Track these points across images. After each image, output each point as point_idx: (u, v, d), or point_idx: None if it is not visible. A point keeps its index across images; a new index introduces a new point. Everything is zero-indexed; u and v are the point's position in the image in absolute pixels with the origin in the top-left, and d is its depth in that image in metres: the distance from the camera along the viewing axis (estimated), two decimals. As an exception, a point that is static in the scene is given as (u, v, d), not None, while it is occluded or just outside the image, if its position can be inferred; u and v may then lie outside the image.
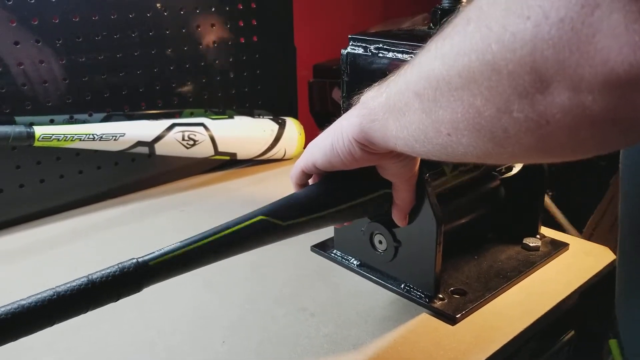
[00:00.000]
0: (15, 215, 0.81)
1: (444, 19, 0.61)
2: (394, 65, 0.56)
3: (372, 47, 0.58)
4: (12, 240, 0.78)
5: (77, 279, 0.41)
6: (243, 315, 0.60)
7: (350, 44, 0.60)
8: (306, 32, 1.21)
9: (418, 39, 0.57)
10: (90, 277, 0.41)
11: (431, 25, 0.63)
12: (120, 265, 0.42)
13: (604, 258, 0.69)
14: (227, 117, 0.95)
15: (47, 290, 0.40)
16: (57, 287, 0.40)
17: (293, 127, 0.99)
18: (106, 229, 0.81)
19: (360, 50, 0.59)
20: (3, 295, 0.64)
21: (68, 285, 0.40)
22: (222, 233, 0.47)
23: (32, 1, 0.76)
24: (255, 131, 0.95)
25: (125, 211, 0.86)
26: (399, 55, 0.56)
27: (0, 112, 0.77)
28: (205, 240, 0.46)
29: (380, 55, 0.57)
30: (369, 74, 0.59)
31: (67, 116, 0.82)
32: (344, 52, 0.61)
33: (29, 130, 0.75)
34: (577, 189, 1.60)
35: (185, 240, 0.46)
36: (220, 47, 0.95)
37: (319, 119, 1.42)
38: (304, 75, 1.30)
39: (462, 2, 0.60)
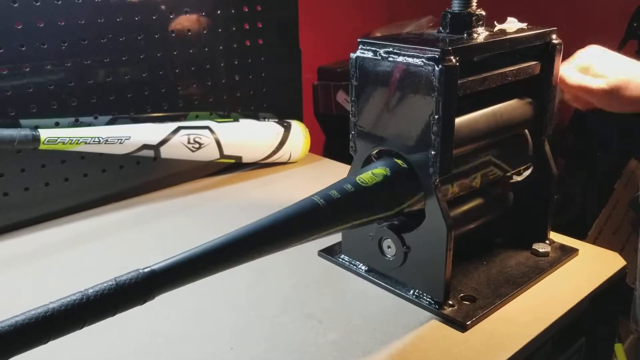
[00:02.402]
0: (20, 219, 0.80)
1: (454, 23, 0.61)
2: (404, 70, 0.56)
3: (381, 51, 0.58)
4: (17, 243, 0.77)
5: (84, 290, 0.40)
6: (250, 321, 0.60)
7: (360, 47, 0.60)
8: (310, 35, 1.21)
9: (428, 42, 0.56)
10: (95, 288, 0.40)
11: (440, 28, 0.62)
12: (129, 275, 0.41)
13: (614, 264, 0.68)
14: (232, 120, 0.95)
15: (50, 303, 0.39)
16: (58, 300, 0.39)
17: (298, 130, 0.99)
18: (111, 233, 0.80)
19: (370, 54, 0.59)
20: (8, 299, 0.64)
21: (68, 298, 0.39)
22: (232, 241, 0.47)
23: (38, 4, 0.75)
24: (260, 134, 0.95)
25: (131, 214, 0.85)
26: (410, 60, 0.55)
27: (6, 115, 0.76)
28: (215, 249, 0.46)
29: (390, 59, 0.57)
30: (378, 78, 0.59)
31: (72, 119, 0.82)
32: (353, 56, 0.60)
33: (34, 133, 0.75)
34: (583, 193, 1.59)
35: (195, 249, 0.45)
36: (225, 49, 0.95)
37: (323, 121, 1.42)
38: (308, 78, 1.29)
39: (472, 6, 0.60)
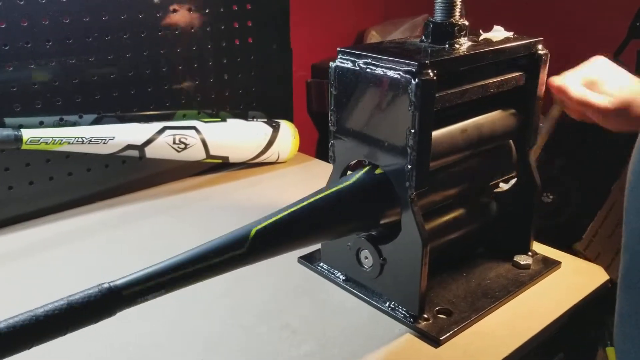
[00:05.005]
0: (4, 217, 0.80)
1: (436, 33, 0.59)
2: (382, 82, 0.55)
3: (360, 61, 0.57)
4: (0, 242, 0.77)
5: (67, 297, 0.40)
6: (224, 330, 0.59)
7: (339, 57, 0.59)
8: (305, 31, 1.20)
9: (407, 54, 0.55)
10: (68, 299, 0.40)
11: (423, 38, 0.61)
12: (91, 292, 0.41)
13: (597, 278, 0.68)
14: (220, 119, 0.94)
15: (25, 312, 0.39)
16: (35, 309, 0.39)
17: (287, 130, 0.98)
18: (95, 232, 0.80)
19: (349, 65, 0.58)
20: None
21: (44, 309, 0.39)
22: (198, 256, 0.46)
23: (22, 2, 0.74)
24: (248, 135, 0.94)
25: (115, 214, 0.85)
26: (387, 72, 0.54)
27: (-11, 114, 0.76)
28: (180, 264, 0.45)
29: (369, 70, 0.56)
30: (357, 89, 0.58)
31: (57, 118, 0.81)
32: (332, 65, 0.59)
33: (16, 133, 0.74)
34: (579, 194, 1.58)
35: (159, 264, 0.45)
36: (214, 48, 0.94)
37: (316, 118, 1.41)
38: (301, 75, 1.28)
39: (455, 16, 0.59)
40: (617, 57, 1.60)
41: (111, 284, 0.43)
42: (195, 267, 0.46)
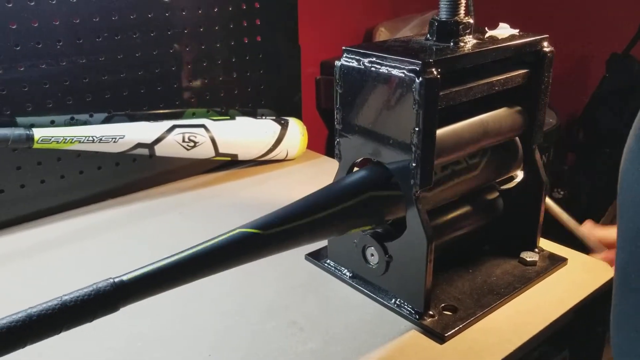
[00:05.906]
0: (16, 215, 0.82)
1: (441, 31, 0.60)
2: (386, 81, 0.55)
3: (365, 60, 0.57)
4: (12, 240, 0.79)
5: (52, 300, 0.41)
6: (231, 327, 0.60)
7: (344, 56, 0.59)
8: (314, 28, 1.20)
9: (411, 53, 0.55)
10: (62, 298, 0.41)
11: (428, 35, 0.61)
12: (96, 287, 0.42)
13: (603, 274, 0.67)
14: (229, 117, 0.95)
15: (20, 312, 0.40)
16: (30, 307, 0.40)
17: (296, 128, 0.99)
18: (106, 230, 0.81)
19: (354, 63, 0.58)
20: (3, 296, 0.65)
21: (41, 306, 0.40)
22: (200, 251, 0.47)
23: (32, 3, 0.76)
24: (256, 132, 0.95)
25: (125, 212, 0.86)
26: (392, 71, 0.54)
27: (1, 114, 0.77)
28: (184, 260, 0.46)
29: (373, 69, 0.56)
30: (362, 87, 0.58)
31: (67, 117, 0.83)
32: (337, 64, 0.60)
33: (28, 132, 0.76)
34: (588, 191, 1.57)
35: (164, 260, 0.46)
36: (223, 47, 0.94)
37: (326, 116, 1.41)
38: (311, 72, 1.29)
39: (460, 14, 0.59)
40: (627, 53, 1.59)
41: (116, 279, 0.43)
42: (197, 261, 0.47)
